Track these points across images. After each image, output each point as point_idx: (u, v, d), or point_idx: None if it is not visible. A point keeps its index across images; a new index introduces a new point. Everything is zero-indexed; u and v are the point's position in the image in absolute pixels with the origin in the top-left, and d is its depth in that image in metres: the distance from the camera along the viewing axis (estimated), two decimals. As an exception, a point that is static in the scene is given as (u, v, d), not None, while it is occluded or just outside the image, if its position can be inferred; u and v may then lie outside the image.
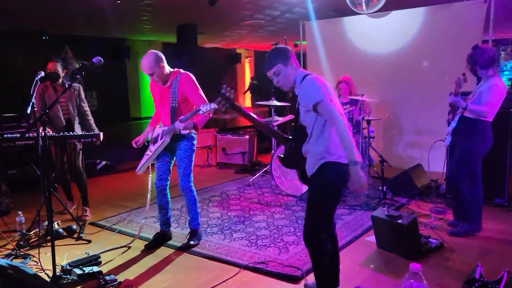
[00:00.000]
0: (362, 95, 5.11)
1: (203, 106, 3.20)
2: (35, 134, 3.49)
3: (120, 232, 4.15)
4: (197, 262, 3.44)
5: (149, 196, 3.91)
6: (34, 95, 3.26)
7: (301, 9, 8.36)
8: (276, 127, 5.64)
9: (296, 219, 4.36)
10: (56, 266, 2.97)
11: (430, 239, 3.53)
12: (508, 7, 7.01)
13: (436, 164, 4.95)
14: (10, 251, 3.62)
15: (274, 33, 12.09)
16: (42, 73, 3.57)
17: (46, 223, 3.55)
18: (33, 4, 7.44)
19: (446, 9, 5.70)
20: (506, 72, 14.68)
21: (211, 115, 3.36)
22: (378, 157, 5.22)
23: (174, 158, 3.73)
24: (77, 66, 7.89)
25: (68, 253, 3.63)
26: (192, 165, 3.69)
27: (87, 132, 4.40)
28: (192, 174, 3.71)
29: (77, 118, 4.51)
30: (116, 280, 2.99)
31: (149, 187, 3.89)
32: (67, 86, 3.59)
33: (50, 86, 4.39)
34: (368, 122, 5.14)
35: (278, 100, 5.89)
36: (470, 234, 3.76)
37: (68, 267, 3.18)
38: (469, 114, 3.68)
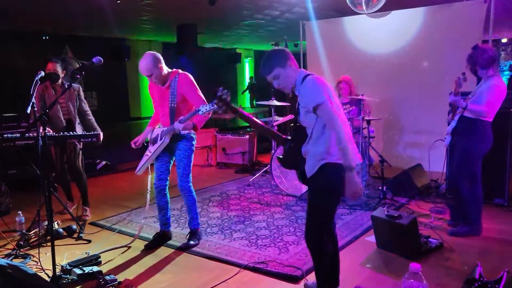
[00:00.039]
0: (362, 95, 5.11)
1: (202, 107, 3.20)
2: (35, 134, 3.49)
3: (120, 232, 4.15)
4: (197, 262, 3.44)
5: (148, 196, 3.91)
6: (34, 95, 3.25)
7: (301, 9, 8.37)
8: (276, 127, 5.65)
9: (296, 219, 4.36)
10: (56, 266, 2.97)
11: (430, 239, 3.53)
12: (508, 7, 7.01)
13: (436, 164, 4.95)
14: (10, 251, 3.62)
15: (274, 33, 12.10)
16: (42, 73, 3.57)
17: (46, 223, 3.55)
18: (33, 4, 7.45)
19: (446, 9, 5.70)
20: (506, 72, 14.69)
21: (210, 115, 3.36)
22: (378, 157, 5.22)
23: (174, 158, 3.73)
24: (77, 66, 7.89)
25: (68, 253, 3.63)
26: (191, 165, 3.69)
27: (89, 131, 4.40)
28: (191, 175, 3.70)
29: (77, 118, 4.51)
30: (116, 280, 2.99)
31: (149, 187, 3.89)
32: (66, 86, 3.59)
33: (50, 87, 4.39)
34: (368, 122, 5.14)
35: (278, 100, 5.90)
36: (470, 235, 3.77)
37: (68, 267, 3.18)
38: (469, 114, 3.68)
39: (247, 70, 19.36)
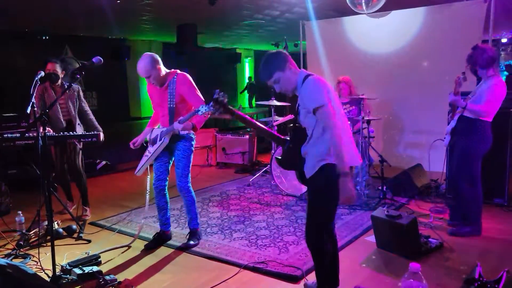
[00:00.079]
0: (362, 95, 5.11)
1: (202, 107, 3.18)
2: (35, 134, 3.49)
3: (120, 232, 4.16)
4: (197, 262, 3.44)
5: (147, 197, 3.90)
6: (34, 95, 3.25)
7: (301, 9, 8.37)
8: (276, 127, 5.65)
9: (296, 219, 4.36)
10: (56, 266, 2.97)
11: (429, 239, 3.53)
12: (508, 7, 7.01)
13: (436, 164, 4.95)
14: (10, 251, 3.62)
15: (274, 33, 12.10)
16: (42, 73, 3.57)
17: (46, 223, 3.56)
18: (33, 4, 7.45)
19: (446, 9, 5.70)
20: (505, 72, 14.68)
21: (209, 115, 3.35)
22: (378, 157, 5.22)
23: (173, 159, 3.73)
24: (77, 66, 7.90)
25: (68, 253, 3.63)
26: (190, 165, 3.68)
27: (91, 131, 4.39)
28: (190, 175, 3.70)
29: (77, 119, 4.50)
30: (116, 280, 2.99)
31: (148, 188, 3.89)
32: (66, 87, 3.59)
33: (49, 87, 4.39)
34: (368, 122, 5.14)
35: (278, 100, 5.90)
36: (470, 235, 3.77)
37: (68, 267, 3.18)
38: (469, 113, 3.68)
39: (247, 70, 19.35)
